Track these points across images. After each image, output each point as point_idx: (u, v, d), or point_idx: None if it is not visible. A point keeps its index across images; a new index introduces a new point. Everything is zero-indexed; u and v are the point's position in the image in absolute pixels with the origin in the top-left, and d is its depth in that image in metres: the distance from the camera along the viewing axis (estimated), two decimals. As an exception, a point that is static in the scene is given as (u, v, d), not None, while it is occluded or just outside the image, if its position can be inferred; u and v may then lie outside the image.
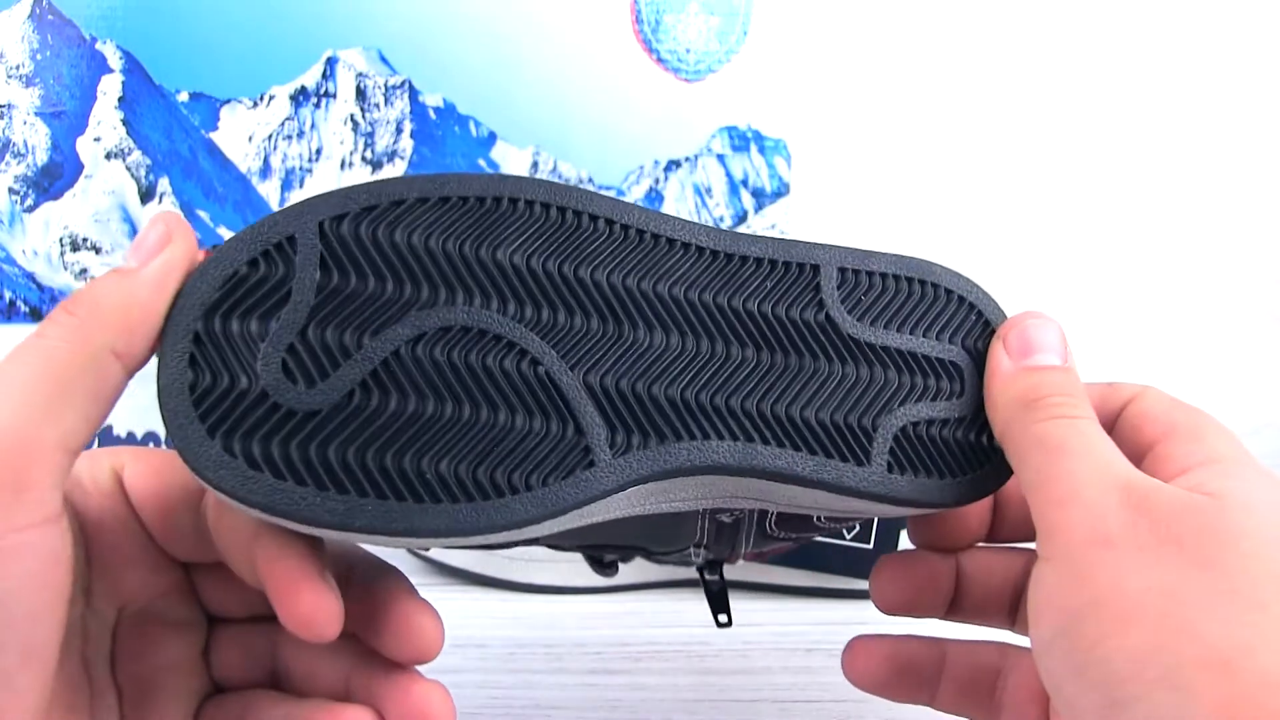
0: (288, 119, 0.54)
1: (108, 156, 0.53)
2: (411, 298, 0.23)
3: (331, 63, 0.54)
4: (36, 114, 0.53)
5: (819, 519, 0.31)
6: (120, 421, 0.55)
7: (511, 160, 0.56)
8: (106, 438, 0.54)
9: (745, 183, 0.57)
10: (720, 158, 0.57)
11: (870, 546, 0.46)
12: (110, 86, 0.53)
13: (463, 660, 0.41)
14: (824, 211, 0.58)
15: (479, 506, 0.22)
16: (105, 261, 0.54)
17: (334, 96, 0.54)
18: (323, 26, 0.53)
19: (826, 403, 0.26)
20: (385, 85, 0.55)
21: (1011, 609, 0.30)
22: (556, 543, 0.30)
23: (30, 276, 0.54)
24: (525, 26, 0.54)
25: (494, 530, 0.22)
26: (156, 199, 0.54)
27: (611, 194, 0.28)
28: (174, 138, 0.54)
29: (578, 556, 0.37)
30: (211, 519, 0.25)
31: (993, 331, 0.28)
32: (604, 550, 0.34)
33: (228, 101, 0.54)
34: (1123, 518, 0.21)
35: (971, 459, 0.27)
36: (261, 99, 0.54)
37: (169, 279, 0.22)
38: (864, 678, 0.30)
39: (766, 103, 0.56)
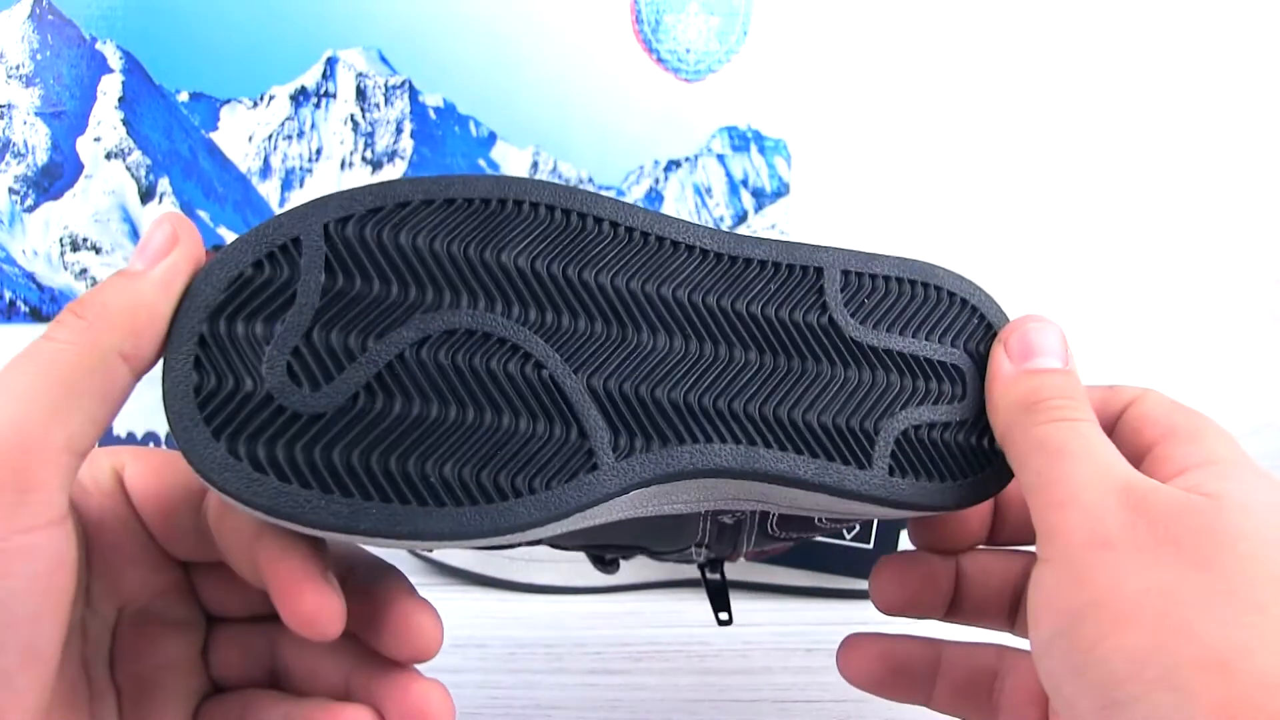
0: (288, 119, 0.54)
1: (108, 156, 0.53)
2: (416, 300, 0.23)
3: (331, 63, 0.54)
4: (36, 114, 0.53)
5: (820, 520, 0.31)
6: (120, 421, 0.55)
7: (511, 160, 0.56)
8: (106, 438, 0.54)
9: (745, 183, 0.57)
10: (720, 158, 0.57)
11: (870, 547, 0.46)
12: (110, 86, 0.53)
13: (463, 660, 0.41)
14: (824, 212, 0.58)
15: (483, 510, 0.22)
16: (105, 262, 0.54)
17: (334, 96, 0.54)
18: (323, 26, 0.53)
19: (829, 406, 0.26)
20: (385, 85, 0.55)
21: (1011, 611, 0.30)
22: (559, 542, 0.31)
23: (30, 276, 0.54)
24: (525, 26, 0.54)
25: (497, 534, 0.23)
26: (156, 199, 0.54)
27: (611, 194, 0.28)
28: (174, 138, 0.54)
29: (578, 556, 0.37)
30: (213, 519, 0.25)
31: (994, 335, 0.28)
32: (606, 549, 0.34)
33: (228, 101, 0.54)
34: (1121, 519, 0.21)
35: (973, 462, 0.27)
36: (261, 99, 0.54)
37: (175, 281, 0.22)
38: (858, 675, 0.30)
39: (766, 103, 0.56)
